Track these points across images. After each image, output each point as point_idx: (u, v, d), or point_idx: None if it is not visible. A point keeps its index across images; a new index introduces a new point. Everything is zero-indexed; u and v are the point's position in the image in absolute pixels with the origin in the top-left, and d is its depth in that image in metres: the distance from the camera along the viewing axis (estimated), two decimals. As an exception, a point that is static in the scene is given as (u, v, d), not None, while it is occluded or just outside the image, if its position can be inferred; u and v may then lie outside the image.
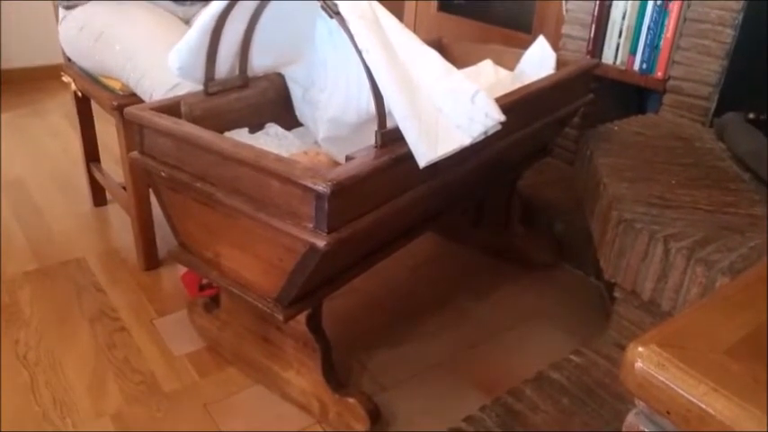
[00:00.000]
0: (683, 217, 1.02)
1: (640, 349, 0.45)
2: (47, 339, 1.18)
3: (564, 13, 1.62)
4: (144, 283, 1.36)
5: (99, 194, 1.66)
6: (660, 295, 0.98)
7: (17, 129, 2.16)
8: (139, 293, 1.33)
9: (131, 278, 1.37)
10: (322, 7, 0.78)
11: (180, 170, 0.90)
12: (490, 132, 0.80)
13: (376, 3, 0.84)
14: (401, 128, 0.78)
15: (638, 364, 0.45)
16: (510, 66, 1.30)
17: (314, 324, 0.95)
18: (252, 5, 0.97)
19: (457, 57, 1.39)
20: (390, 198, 0.85)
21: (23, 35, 2.50)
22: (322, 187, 0.72)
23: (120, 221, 1.57)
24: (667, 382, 0.43)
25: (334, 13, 0.78)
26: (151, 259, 1.40)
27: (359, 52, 0.77)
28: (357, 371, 1.14)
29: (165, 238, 1.34)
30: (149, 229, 1.37)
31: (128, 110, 0.94)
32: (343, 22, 0.77)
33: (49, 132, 2.15)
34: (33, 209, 1.65)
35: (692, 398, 0.42)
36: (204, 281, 1.21)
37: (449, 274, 1.46)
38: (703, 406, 0.42)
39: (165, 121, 0.90)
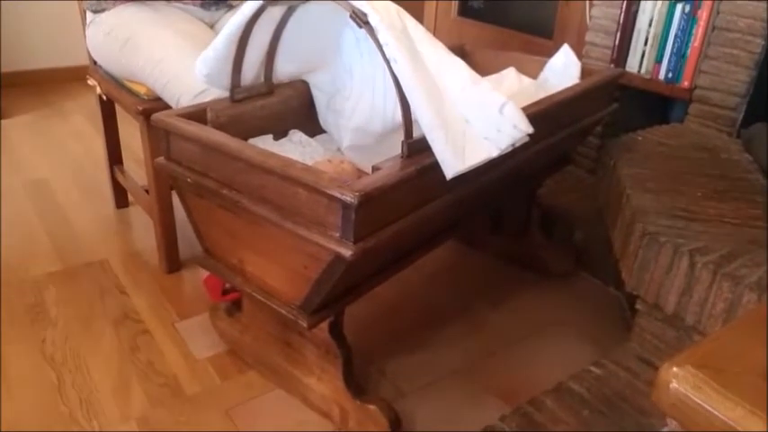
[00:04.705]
0: (709, 230, 1.01)
1: (675, 370, 0.45)
2: (72, 340, 1.20)
3: (588, 20, 1.61)
4: (166, 286, 1.37)
5: (121, 196, 1.68)
6: (684, 309, 0.97)
7: (41, 130, 2.20)
8: (161, 296, 1.34)
9: (153, 281, 1.39)
10: (351, 17, 0.79)
11: (206, 177, 0.91)
12: (518, 144, 0.80)
13: (404, 12, 0.85)
14: (428, 138, 0.79)
15: (674, 385, 0.44)
16: (533, 74, 1.29)
17: (336, 331, 0.96)
18: (278, 14, 0.98)
19: (479, 64, 1.39)
20: (415, 208, 0.85)
21: (47, 37, 2.54)
22: (350, 198, 0.72)
23: (143, 224, 1.59)
24: (704, 404, 0.42)
25: (363, 22, 0.78)
26: (173, 262, 1.41)
27: (387, 62, 0.77)
28: (376, 377, 1.14)
29: (186, 240, 1.36)
30: (171, 232, 1.39)
31: (155, 116, 0.95)
32: (371, 31, 0.78)
33: (72, 134, 2.18)
34: (57, 209, 1.67)
35: (729, 420, 0.42)
36: (227, 285, 1.22)
37: (467, 282, 1.46)
38: (740, 429, 0.41)
39: (192, 128, 0.91)
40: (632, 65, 1.51)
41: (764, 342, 0.48)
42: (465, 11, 2.29)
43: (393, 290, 1.36)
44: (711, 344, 0.48)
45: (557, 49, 1.27)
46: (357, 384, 1.01)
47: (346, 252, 0.75)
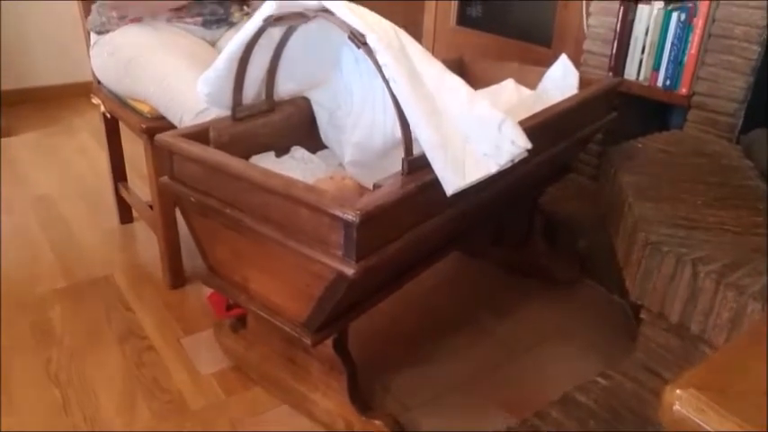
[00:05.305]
0: (711, 239, 1.01)
1: (678, 392, 0.45)
2: (77, 358, 1.20)
3: (585, 29, 1.62)
4: (170, 302, 1.38)
5: (126, 212, 1.69)
6: (689, 319, 0.97)
7: (46, 147, 2.22)
8: (166, 312, 1.35)
9: (158, 296, 1.40)
10: (349, 38, 0.80)
11: (209, 196, 0.91)
12: (517, 160, 0.81)
13: (402, 31, 0.86)
14: (428, 156, 0.79)
15: (677, 408, 0.44)
16: (531, 84, 1.30)
17: (340, 347, 0.96)
18: (278, 33, 0.98)
19: (478, 75, 1.39)
20: (416, 224, 0.85)
21: (51, 53, 2.56)
22: (351, 216, 0.73)
23: (147, 239, 1.60)
24: (707, 428, 0.43)
25: (362, 43, 0.79)
26: (177, 277, 1.42)
27: (386, 82, 0.78)
28: (380, 391, 1.14)
29: (190, 255, 1.37)
30: (175, 248, 1.39)
31: (158, 137, 0.96)
32: (370, 52, 0.78)
33: (78, 150, 2.20)
34: (62, 226, 1.68)
35: (731, 443, 0.42)
36: (231, 301, 1.22)
37: (470, 292, 1.46)
38: (743, 451, 0.42)
39: (195, 149, 0.92)
40: (630, 72, 1.52)
41: (765, 359, 0.49)
42: (464, 20, 2.30)
43: (396, 302, 1.35)
44: (715, 363, 0.49)
45: (555, 56, 1.28)
46: (362, 399, 1.01)
47: (349, 270, 0.76)
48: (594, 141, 1.60)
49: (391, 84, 0.78)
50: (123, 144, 1.62)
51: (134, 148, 1.70)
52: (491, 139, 0.79)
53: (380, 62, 0.78)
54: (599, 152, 1.63)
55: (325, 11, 0.83)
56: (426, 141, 0.78)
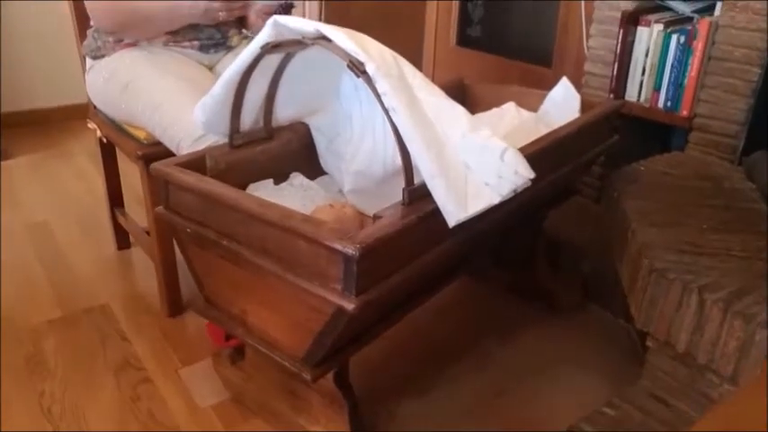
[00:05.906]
0: (717, 265, 0.99)
1: (694, 443, 0.43)
2: (71, 392, 1.17)
3: (585, 50, 1.62)
4: (168, 331, 1.35)
5: (123, 238, 1.67)
6: (696, 347, 0.95)
7: (43, 171, 2.20)
8: (164, 342, 1.32)
9: (155, 325, 1.37)
10: (348, 66, 0.79)
11: (206, 227, 0.90)
12: (520, 190, 0.79)
13: (401, 58, 0.85)
14: (429, 186, 0.78)
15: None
16: (533, 107, 1.29)
17: (341, 380, 0.94)
18: (276, 60, 0.98)
19: (479, 98, 1.39)
20: (418, 255, 0.83)
21: (48, 76, 2.56)
22: (351, 250, 0.71)
23: (144, 265, 1.58)
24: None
25: (361, 72, 0.78)
26: (175, 305, 1.40)
27: (386, 111, 0.77)
28: (385, 418, 1.11)
29: (189, 282, 1.34)
30: (173, 276, 1.37)
31: (153, 166, 0.95)
32: (369, 81, 0.77)
33: (75, 174, 2.18)
34: (58, 253, 1.66)
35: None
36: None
37: (473, 316, 1.43)
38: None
39: (191, 179, 0.90)
40: (631, 93, 1.51)
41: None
42: (464, 40, 2.30)
43: (399, 327, 1.33)
44: (726, 411, 0.47)
45: (556, 77, 1.27)
46: (364, 432, 0.99)
47: (348, 305, 0.74)
48: (597, 163, 1.59)
49: (391, 113, 0.76)
50: (120, 165, 1.61)
51: (132, 170, 1.68)
52: (493, 169, 0.78)
53: (380, 91, 0.77)
54: (601, 174, 1.62)
55: (324, 38, 0.82)
56: (427, 171, 0.77)
